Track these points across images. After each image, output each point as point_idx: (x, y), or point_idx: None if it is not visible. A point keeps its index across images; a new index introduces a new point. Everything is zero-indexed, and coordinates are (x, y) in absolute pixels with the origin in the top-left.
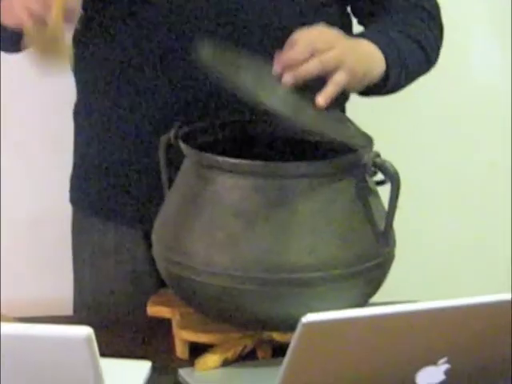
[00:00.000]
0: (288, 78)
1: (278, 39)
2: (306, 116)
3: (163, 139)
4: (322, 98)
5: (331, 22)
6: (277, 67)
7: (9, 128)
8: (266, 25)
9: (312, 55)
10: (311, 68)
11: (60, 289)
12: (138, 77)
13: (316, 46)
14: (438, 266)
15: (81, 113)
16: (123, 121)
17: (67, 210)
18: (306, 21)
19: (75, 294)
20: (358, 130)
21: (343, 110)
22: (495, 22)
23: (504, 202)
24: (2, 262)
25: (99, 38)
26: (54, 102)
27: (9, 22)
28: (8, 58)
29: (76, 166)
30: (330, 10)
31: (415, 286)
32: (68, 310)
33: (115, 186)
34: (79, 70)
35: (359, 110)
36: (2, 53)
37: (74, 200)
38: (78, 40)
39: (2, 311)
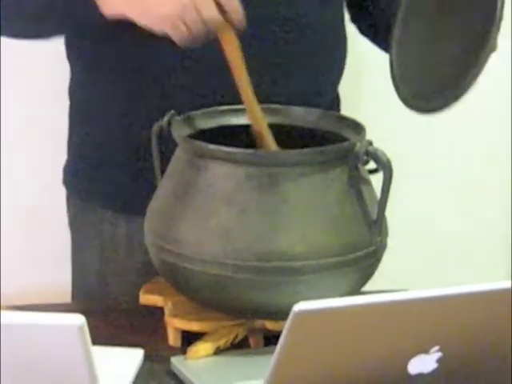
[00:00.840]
0: None
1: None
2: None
3: (155, 127)
4: None
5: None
6: None
7: (8, 119)
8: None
9: None
10: None
11: (57, 276)
12: (136, 57)
13: None
14: (430, 254)
15: (77, 94)
16: (125, 104)
17: (61, 199)
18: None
19: (76, 283)
20: None
21: (337, 97)
22: None
23: (501, 192)
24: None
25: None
26: (52, 90)
27: (156, 26)
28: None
29: (78, 157)
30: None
31: (407, 274)
32: (63, 298)
33: (125, 177)
34: (73, 47)
35: (355, 96)
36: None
37: (70, 187)
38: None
39: None
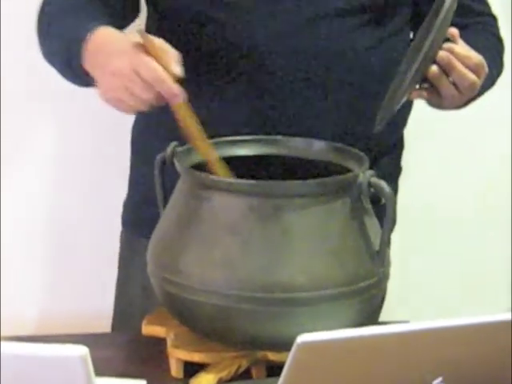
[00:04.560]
0: (445, 56)
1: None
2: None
3: (158, 159)
4: None
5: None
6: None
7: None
8: (339, 56)
9: (473, 71)
10: (467, 75)
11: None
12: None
13: (479, 72)
14: (433, 285)
15: (137, 134)
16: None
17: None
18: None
19: (118, 313)
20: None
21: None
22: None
23: (502, 225)
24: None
25: None
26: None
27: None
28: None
29: (132, 193)
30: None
31: (410, 306)
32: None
33: None
34: None
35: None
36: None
37: (127, 223)
38: None
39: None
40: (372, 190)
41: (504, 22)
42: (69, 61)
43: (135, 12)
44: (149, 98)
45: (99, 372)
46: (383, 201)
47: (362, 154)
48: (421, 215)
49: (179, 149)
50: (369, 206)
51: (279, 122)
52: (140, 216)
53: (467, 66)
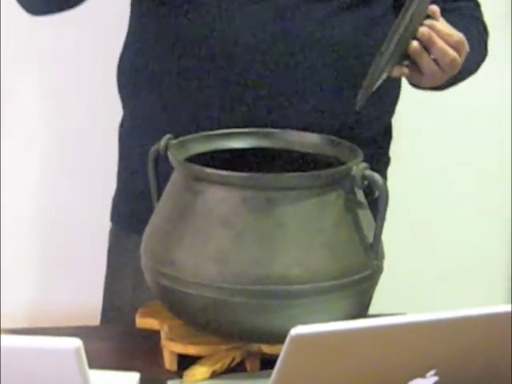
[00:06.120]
0: (426, 31)
1: (334, 55)
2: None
3: (152, 151)
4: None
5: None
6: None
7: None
8: (321, 40)
9: (453, 48)
10: (447, 51)
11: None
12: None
13: (460, 49)
14: (427, 278)
15: (127, 131)
16: None
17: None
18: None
19: (106, 308)
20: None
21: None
22: (494, 29)
23: (498, 216)
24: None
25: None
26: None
27: None
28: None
29: (120, 188)
30: (387, 20)
31: (404, 298)
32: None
33: None
34: (125, 87)
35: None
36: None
37: (116, 219)
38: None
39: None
40: (365, 182)
41: (504, 22)
42: None
43: None
44: None
45: (92, 365)
46: (377, 193)
47: (355, 146)
48: (413, 207)
49: (173, 142)
50: (362, 198)
51: (262, 108)
52: (128, 211)
53: (448, 43)
